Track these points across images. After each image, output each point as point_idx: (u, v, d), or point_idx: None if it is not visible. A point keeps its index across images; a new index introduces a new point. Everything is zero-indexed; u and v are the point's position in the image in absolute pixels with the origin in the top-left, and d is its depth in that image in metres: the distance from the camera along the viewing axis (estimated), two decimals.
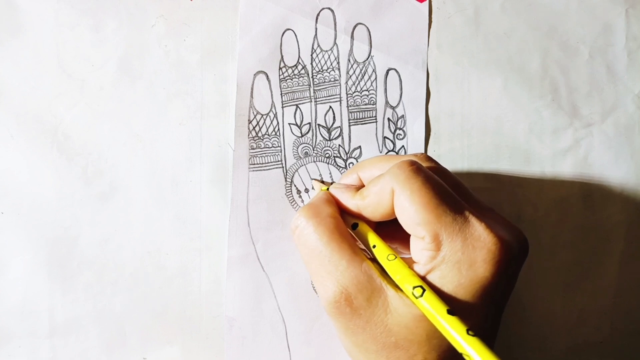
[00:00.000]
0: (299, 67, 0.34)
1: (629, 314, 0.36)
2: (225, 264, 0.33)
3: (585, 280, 0.36)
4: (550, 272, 0.36)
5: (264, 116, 0.34)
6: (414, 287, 0.22)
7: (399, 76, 0.35)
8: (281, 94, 0.34)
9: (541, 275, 0.36)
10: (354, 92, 0.35)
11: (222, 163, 0.33)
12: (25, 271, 0.32)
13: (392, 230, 0.28)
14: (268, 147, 0.34)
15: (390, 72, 0.35)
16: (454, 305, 0.22)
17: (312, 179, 0.34)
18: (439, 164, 0.27)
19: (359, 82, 0.35)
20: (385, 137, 0.35)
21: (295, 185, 0.34)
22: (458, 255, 0.23)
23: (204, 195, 0.33)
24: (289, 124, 0.34)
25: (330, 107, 0.34)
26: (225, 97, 0.34)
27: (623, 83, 0.36)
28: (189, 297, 0.33)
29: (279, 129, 0.34)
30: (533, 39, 0.36)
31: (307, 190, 0.34)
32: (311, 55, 0.34)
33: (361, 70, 0.35)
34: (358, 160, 0.34)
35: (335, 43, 0.34)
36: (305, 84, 0.34)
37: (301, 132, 0.34)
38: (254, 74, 0.34)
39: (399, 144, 0.35)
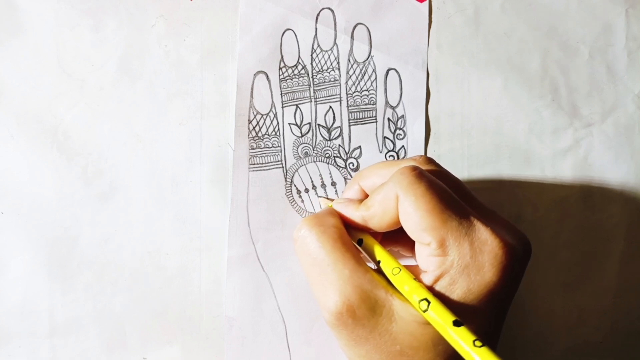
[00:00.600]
0: (299, 67, 0.34)
1: (629, 314, 0.36)
2: (225, 264, 0.33)
3: (585, 280, 0.36)
4: (550, 272, 0.36)
5: (264, 116, 0.34)
6: (421, 300, 0.22)
7: (399, 76, 0.35)
8: (281, 94, 0.34)
9: (541, 275, 0.36)
10: (354, 92, 0.35)
11: (222, 163, 0.33)
12: (25, 271, 0.32)
13: (397, 241, 0.28)
14: (268, 147, 0.34)
15: (390, 72, 0.35)
16: (463, 311, 0.22)
17: (319, 197, 0.33)
18: (439, 166, 0.27)
19: (359, 82, 0.35)
20: (385, 137, 0.35)
21: (295, 185, 0.34)
22: (466, 260, 0.23)
23: (204, 195, 0.33)
24: (289, 124, 0.34)
25: (330, 107, 0.34)
26: (225, 97, 0.34)
27: (623, 83, 0.36)
28: (189, 297, 0.33)
29: (279, 129, 0.34)
30: (533, 39, 0.36)
31: (307, 190, 0.34)
32: (311, 55, 0.34)
33: (361, 70, 0.35)
34: (358, 160, 0.34)
35: (335, 43, 0.34)
36: (305, 84, 0.34)
37: (301, 132, 0.34)
38: (254, 74, 0.34)
39: (399, 144, 0.35)
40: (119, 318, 0.33)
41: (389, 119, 0.35)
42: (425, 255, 0.24)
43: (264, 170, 0.33)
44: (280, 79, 0.34)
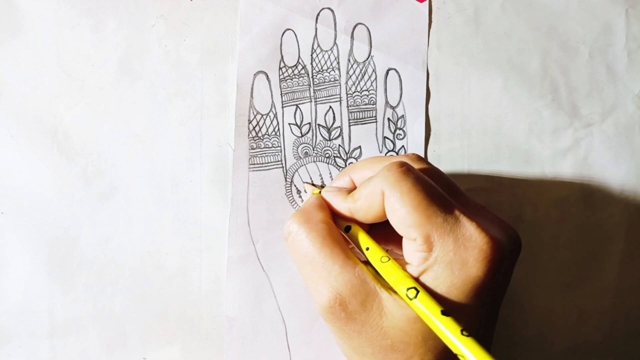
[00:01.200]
0: (299, 67, 0.34)
1: (629, 314, 0.36)
2: (225, 264, 0.33)
3: (585, 280, 0.36)
4: (550, 272, 0.36)
5: (264, 116, 0.34)
6: (408, 289, 0.22)
7: (399, 76, 0.35)
8: (281, 94, 0.34)
9: (541, 275, 0.36)
10: (354, 92, 0.35)
11: (222, 163, 0.33)
12: (25, 271, 0.32)
13: (386, 232, 0.28)
14: (268, 147, 0.34)
15: (390, 72, 0.35)
16: (447, 306, 0.22)
17: (304, 182, 0.34)
18: (430, 164, 0.27)
19: (359, 82, 0.35)
20: (385, 137, 0.35)
21: (295, 185, 0.34)
22: (450, 256, 0.23)
23: (204, 195, 0.33)
24: (289, 124, 0.34)
25: (330, 107, 0.34)
26: (225, 97, 0.34)
27: (623, 83, 0.36)
28: (189, 297, 0.33)
29: (279, 129, 0.34)
30: (533, 39, 0.36)
31: (307, 191, 0.34)
32: (311, 55, 0.34)
33: (361, 70, 0.35)
34: (358, 160, 0.34)
35: (335, 43, 0.34)
36: (305, 84, 0.34)
37: (301, 132, 0.34)
38: (254, 74, 0.34)
39: (399, 144, 0.35)
40: (119, 318, 0.33)
41: (389, 119, 0.35)
42: (412, 251, 0.24)
43: (264, 170, 0.33)
44: (280, 79, 0.34)
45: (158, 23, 0.33)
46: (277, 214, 0.33)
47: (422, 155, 0.35)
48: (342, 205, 0.27)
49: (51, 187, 0.32)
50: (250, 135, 0.33)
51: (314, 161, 0.34)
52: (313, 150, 0.34)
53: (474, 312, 0.23)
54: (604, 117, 0.36)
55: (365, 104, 0.35)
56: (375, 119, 0.35)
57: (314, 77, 0.34)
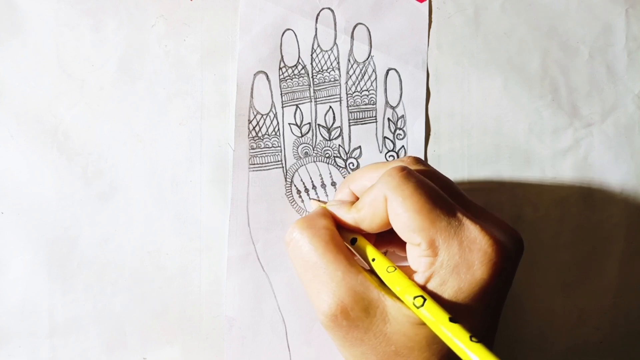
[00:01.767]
0: (299, 67, 0.34)
1: (629, 314, 0.36)
2: (225, 264, 0.33)
3: (585, 280, 0.36)
4: (550, 272, 0.36)
5: (264, 116, 0.34)
6: (415, 297, 0.22)
7: (399, 76, 0.35)
8: (281, 94, 0.34)
9: (541, 275, 0.36)
10: (354, 92, 0.35)
11: (222, 163, 0.33)
12: (25, 271, 0.32)
13: (390, 241, 0.28)
14: (268, 147, 0.34)
15: (390, 72, 0.35)
16: (454, 311, 0.22)
17: (311, 199, 0.33)
18: (429, 166, 0.27)
19: (359, 82, 0.35)
20: (385, 137, 0.35)
21: (295, 185, 0.34)
22: (456, 259, 0.23)
23: (204, 195, 0.33)
24: (289, 124, 0.34)
25: (330, 107, 0.34)
26: (225, 97, 0.34)
27: (623, 83, 0.36)
28: (189, 297, 0.33)
29: (279, 129, 0.34)
30: (533, 39, 0.36)
31: (307, 190, 0.34)
32: (311, 55, 0.34)
33: (361, 70, 0.35)
34: (358, 160, 0.34)
35: (335, 43, 0.34)
36: (305, 84, 0.34)
37: (301, 132, 0.34)
38: (254, 74, 0.34)
39: (399, 144, 0.35)
40: (119, 318, 0.33)
41: (389, 119, 0.35)
42: (416, 256, 0.24)
43: (264, 170, 0.33)
44: (280, 79, 0.34)
45: (158, 23, 0.33)
46: (277, 214, 0.33)
47: (422, 155, 0.35)
48: (347, 216, 0.26)
49: (51, 187, 0.32)
50: (250, 135, 0.33)
51: (314, 161, 0.34)
52: (313, 150, 0.34)
53: (480, 315, 0.23)
54: (604, 117, 0.36)
55: (365, 104, 0.35)
56: (375, 119, 0.35)
57: (314, 77, 0.34)
